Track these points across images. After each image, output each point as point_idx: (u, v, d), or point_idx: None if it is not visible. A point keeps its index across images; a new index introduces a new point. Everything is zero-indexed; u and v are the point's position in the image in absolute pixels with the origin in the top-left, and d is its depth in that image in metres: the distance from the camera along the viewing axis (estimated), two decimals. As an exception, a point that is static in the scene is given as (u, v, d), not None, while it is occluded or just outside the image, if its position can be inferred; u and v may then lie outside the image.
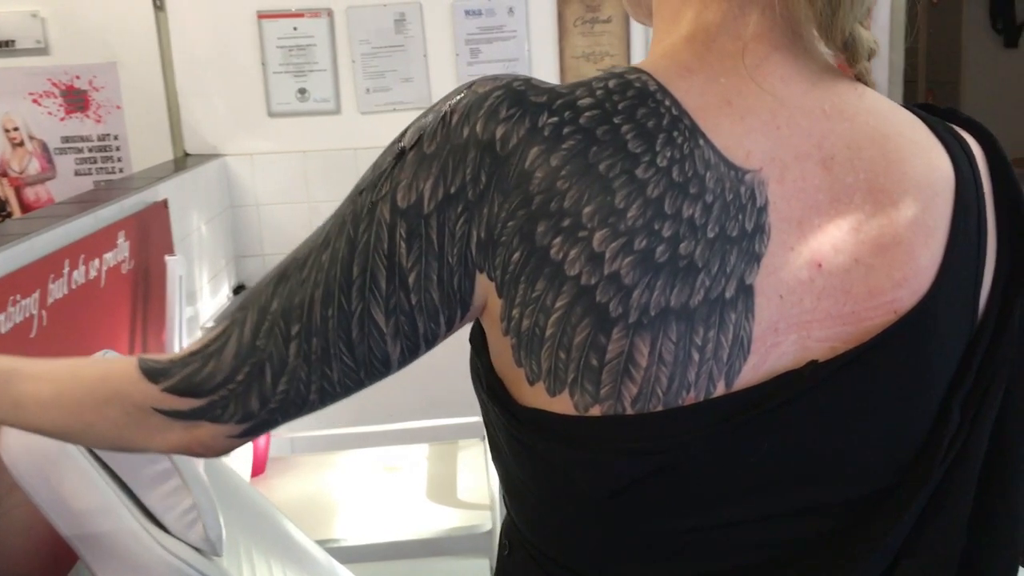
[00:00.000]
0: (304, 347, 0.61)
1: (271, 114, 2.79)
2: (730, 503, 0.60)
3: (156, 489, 1.12)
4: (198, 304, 2.56)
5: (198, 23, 2.75)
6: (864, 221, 0.60)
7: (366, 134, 2.81)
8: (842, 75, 0.63)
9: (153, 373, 0.65)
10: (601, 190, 0.57)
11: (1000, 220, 0.65)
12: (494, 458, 0.70)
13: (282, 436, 2.18)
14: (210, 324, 2.64)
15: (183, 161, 2.73)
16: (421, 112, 0.62)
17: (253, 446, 1.81)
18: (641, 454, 0.58)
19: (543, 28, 2.83)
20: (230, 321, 0.64)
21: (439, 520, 1.73)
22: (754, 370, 0.58)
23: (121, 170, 2.76)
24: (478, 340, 0.66)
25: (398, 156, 0.60)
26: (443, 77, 2.80)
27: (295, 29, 2.74)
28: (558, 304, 0.57)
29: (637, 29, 2.86)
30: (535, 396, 0.60)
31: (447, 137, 0.59)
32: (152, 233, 1.98)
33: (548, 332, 0.58)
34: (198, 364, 0.63)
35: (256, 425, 0.64)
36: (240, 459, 1.72)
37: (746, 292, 0.58)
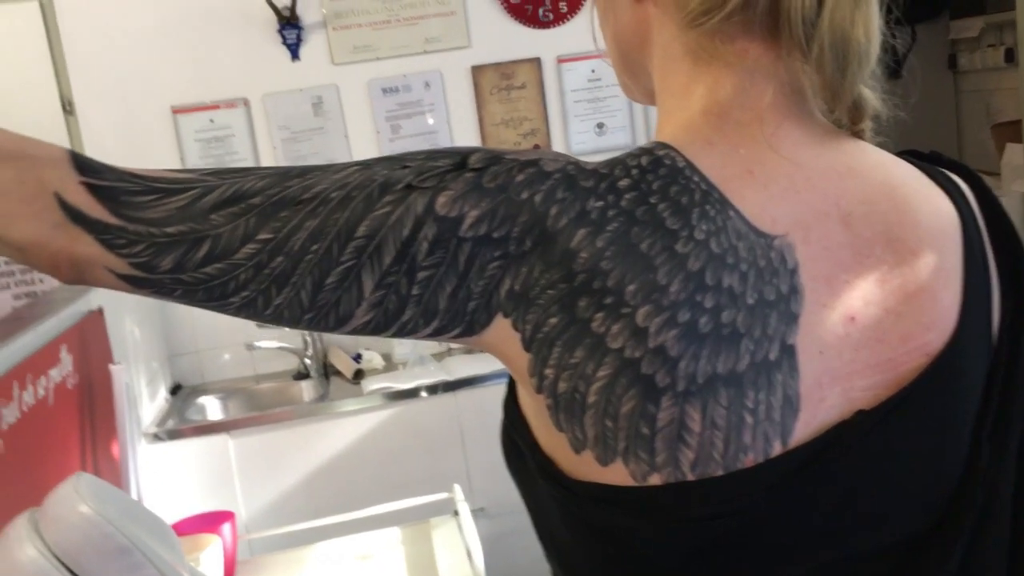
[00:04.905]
0: (262, 257, 0.58)
1: (194, 208, 2.75)
2: (791, 558, 0.61)
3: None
4: (139, 410, 2.48)
5: (110, 124, 2.71)
6: (888, 272, 0.62)
7: (293, 219, 2.79)
8: (845, 135, 0.66)
9: (83, 164, 0.58)
10: (644, 269, 0.58)
11: (997, 255, 0.69)
12: (541, 536, 0.69)
13: (241, 537, 2.11)
14: (153, 430, 2.55)
15: (106, 264, 2.66)
16: (487, 148, 0.62)
17: (222, 549, 1.75)
18: (708, 520, 0.59)
19: (461, 99, 2.87)
20: (196, 176, 0.59)
21: (423, 604, 1.69)
22: (806, 426, 0.60)
23: (41, 280, 2.66)
24: (513, 413, 0.66)
25: (458, 165, 0.60)
26: (366, 155, 2.79)
27: (212, 121, 2.73)
28: (600, 373, 0.58)
29: (552, 93, 2.92)
30: (584, 466, 0.60)
31: (506, 187, 0.59)
32: (91, 344, 1.92)
33: (591, 400, 0.58)
34: (137, 187, 0.58)
35: (147, 280, 0.59)
36: (211, 566, 1.66)
37: (788, 352, 0.59)
